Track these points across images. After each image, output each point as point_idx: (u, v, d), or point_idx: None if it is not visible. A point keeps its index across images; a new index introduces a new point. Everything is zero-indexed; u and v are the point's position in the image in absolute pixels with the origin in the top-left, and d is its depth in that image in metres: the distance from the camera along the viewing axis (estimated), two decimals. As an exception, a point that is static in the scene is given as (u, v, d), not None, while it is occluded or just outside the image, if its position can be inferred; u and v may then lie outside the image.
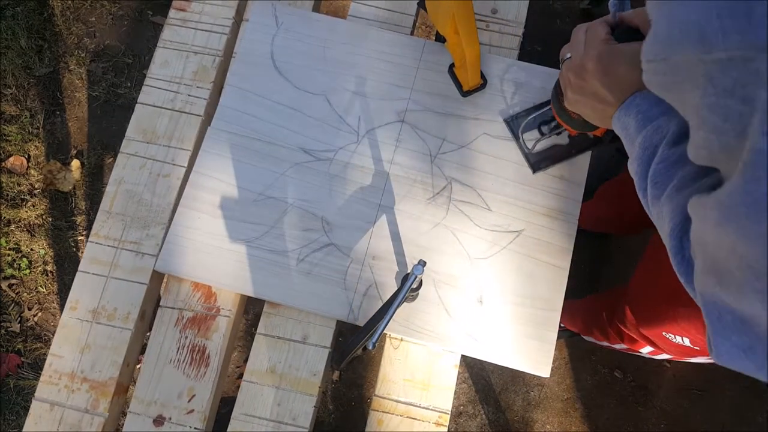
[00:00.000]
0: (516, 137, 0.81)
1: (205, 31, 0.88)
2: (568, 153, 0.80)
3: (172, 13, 0.89)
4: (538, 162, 0.80)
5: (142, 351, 0.78)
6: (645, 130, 0.53)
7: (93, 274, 0.80)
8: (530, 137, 0.81)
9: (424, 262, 0.65)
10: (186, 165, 0.83)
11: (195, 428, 0.75)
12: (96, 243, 0.81)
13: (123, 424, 0.76)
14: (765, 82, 0.31)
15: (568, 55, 0.63)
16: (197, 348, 0.77)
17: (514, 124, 0.81)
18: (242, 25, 0.90)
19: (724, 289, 0.39)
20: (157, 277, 0.82)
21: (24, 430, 0.75)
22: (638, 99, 0.55)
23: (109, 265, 0.80)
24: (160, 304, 0.79)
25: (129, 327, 0.78)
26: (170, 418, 0.75)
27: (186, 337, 0.78)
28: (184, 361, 0.77)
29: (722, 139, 0.36)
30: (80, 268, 0.80)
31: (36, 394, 0.76)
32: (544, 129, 0.80)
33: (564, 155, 0.80)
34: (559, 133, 0.80)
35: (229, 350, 0.80)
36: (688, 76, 0.37)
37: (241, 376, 0.82)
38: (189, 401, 0.76)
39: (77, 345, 0.78)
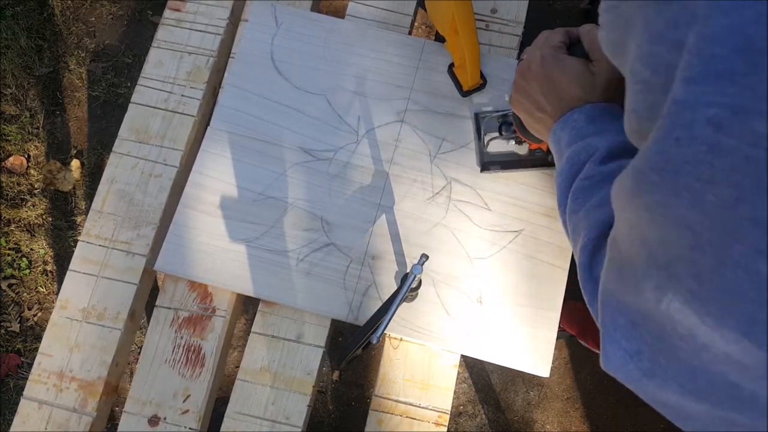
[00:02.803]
0: (478, 133, 0.80)
1: (200, 31, 0.88)
2: (523, 164, 0.79)
3: (166, 13, 0.89)
4: (489, 162, 0.80)
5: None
6: (575, 145, 0.52)
7: (83, 273, 0.80)
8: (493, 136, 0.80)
9: (426, 256, 0.65)
10: (178, 165, 0.83)
11: (190, 428, 0.75)
12: (87, 242, 0.81)
13: (118, 424, 0.76)
14: (697, 21, 0.26)
15: (525, 56, 0.62)
16: (193, 348, 0.77)
17: (480, 119, 0.81)
18: (240, 26, 0.90)
19: (623, 284, 0.37)
20: (148, 278, 0.82)
21: (12, 429, 0.75)
22: (576, 115, 0.54)
23: (99, 265, 0.80)
24: (156, 303, 0.79)
25: (119, 327, 0.78)
26: (165, 418, 0.75)
27: (181, 337, 0.78)
28: (179, 361, 0.77)
29: (649, 98, 0.31)
30: (71, 267, 0.80)
31: (24, 392, 0.76)
32: (503, 131, 0.78)
33: (517, 165, 0.79)
34: (518, 142, 0.79)
35: (225, 350, 0.80)
36: (632, 26, 0.33)
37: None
38: (184, 401, 0.76)
39: (66, 344, 0.78)
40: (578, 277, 0.47)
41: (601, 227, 0.45)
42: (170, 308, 0.79)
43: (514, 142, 0.79)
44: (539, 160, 0.79)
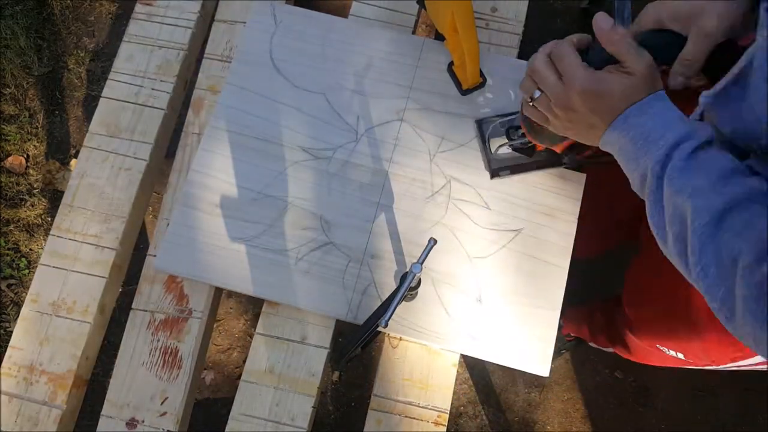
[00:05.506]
0: (483, 139, 0.80)
1: (171, 25, 0.89)
2: (530, 167, 0.79)
3: (138, 7, 0.89)
4: (498, 168, 0.79)
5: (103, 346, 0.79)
6: (655, 133, 0.53)
7: (54, 267, 0.80)
8: (499, 142, 0.79)
9: (435, 240, 0.65)
10: (148, 159, 0.84)
11: (168, 431, 0.75)
12: (57, 236, 0.81)
13: (98, 423, 0.76)
14: None
15: (537, 94, 0.59)
16: (169, 350, 0.77)
17: (484, 126, 0.80)
18: (215, 26, 0.90)
19: None
20: (117, 271, 0.82)
21: None
22: (631, 118, 0.55)
23: (69, 259, 0.80)
24: (132, 306, 0.79)
25: (88, 320, 0.78)
26: (143, 421, 0.75)
27: (158, 340, 0.78)
28: (156, 364, 0.77)
29: None
30: (41, 261, 0.80)
31: None
32: (513, 136, 0.77)
33: (525, 168, 0.79)
34: (526, 145, 0.77)
35: (203, 352, 0.80)
36: None
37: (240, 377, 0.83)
38: (162, 404, 0.76)
39: (37, 337, 0.78)
40: (671, 237, 0.52)
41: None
42: (146, 311, 0.79)
43: (512, 148, 0.78)
44: (547, 161, 0.78)
